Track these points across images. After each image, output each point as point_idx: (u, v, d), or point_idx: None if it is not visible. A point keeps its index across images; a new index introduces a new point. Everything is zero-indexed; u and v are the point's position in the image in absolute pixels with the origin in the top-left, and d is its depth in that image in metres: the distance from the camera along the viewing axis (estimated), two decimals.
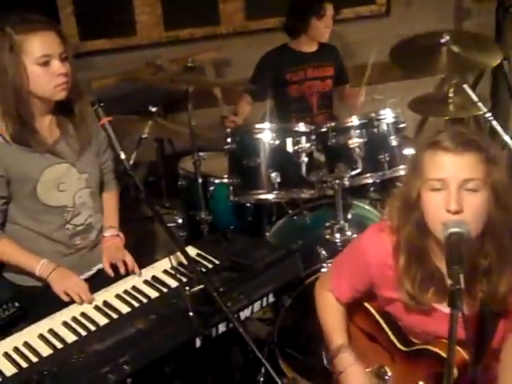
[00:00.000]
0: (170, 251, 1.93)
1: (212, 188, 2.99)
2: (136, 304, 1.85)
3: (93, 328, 1.75)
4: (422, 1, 4.68)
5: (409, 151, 2.61)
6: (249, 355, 2.48)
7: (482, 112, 2.94)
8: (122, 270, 2.07)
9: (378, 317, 1.86)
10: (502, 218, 1.55)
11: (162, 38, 4.29)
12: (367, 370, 1.86)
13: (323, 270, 2.40)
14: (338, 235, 2.57)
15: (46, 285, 1.98)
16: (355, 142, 2.57)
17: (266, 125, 2.62)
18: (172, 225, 3.17)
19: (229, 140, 2.68)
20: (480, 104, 2.92)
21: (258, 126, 2.64)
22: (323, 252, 2.51)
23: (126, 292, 1.92)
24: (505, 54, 3.79)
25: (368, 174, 2.61)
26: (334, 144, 2.64)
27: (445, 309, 1.63)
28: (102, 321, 1.79)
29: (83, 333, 1.73)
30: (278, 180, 2.57)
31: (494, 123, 2.89)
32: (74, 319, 1.80)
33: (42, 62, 1.88)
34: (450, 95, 3.03)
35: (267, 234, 2.79)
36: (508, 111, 4.55)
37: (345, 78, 3.63)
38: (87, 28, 4.09)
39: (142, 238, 3.48)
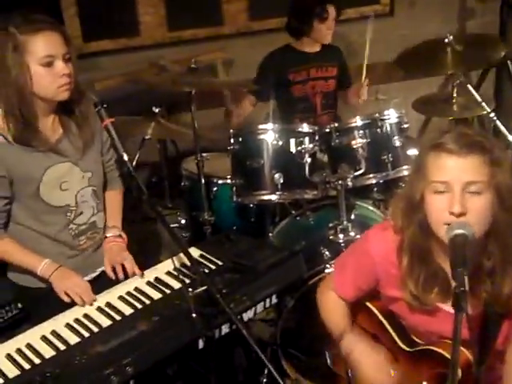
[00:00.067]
0: (173, 252, 1.92)
1: (215, 189, 2.98)
2: (139, 305, 1.85)
3: (96, 330, 1.75)
4: (426, 1, 4.66)
5: (412, 151, 2.61)
6: (252, 356, 2.47)
7: (485, 112, 2.94)
8: (121, 275, 2.07)
9: (381, 317, 1.86)
10: (507, 219, 1.54)
11: (166, 38, 4.28)
12: None
13: (327, 270, 2.39)
14: (341, 236, 2.57)
15: (49, 286, 1.98)
16: (358, 142, 2.56)
17: (269, 125, 2.61)
18: (175, 225, 3.17)
19: (232, 141, 2.68)
20: (484, 104, 2.91)
21: (261, 126, 2.63)
22: (326, 252, 2.51)
23: (128, 293, 1.92)
24: (509, 52, 3.77)
25: (371, 175, 2.60)
26: (338, 144, 2.64)
27: (449, 308, 1.62)
28: (105, 322, 1.78)
29: (86, 334, 1.73)
30: (281, 181, 2.56)
31: (498, 123, 2.89)
32: (77, 321, 1.80)
33: (46, 63, 1.88)
34: (454, 95, 3.03)
35: (270, 234, 2.79)
36: None
37: (347, 82, 3.61)
38: (91, 29, 4.09)
39: (146, 239, 3.48)
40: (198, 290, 1.63)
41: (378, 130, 2.60)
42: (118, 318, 1.80)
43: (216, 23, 4.34)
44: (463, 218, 1.48)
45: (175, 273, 1.96)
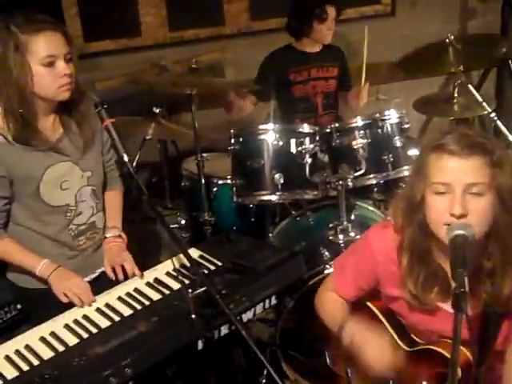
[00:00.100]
0: (173, 253, 1.92)
1: (215, 189, 2.99)
2: (138, 306, 1.84)
3: (94, 331, 1.75)
4: (427, 1, 4.66)
5: (413, 152, 2.60)
6: (251, 357, 2.47)
7: (486, 112, 2.93)
8: (120, 276, 2.06)
9: (381, 316, 1.85)
10: (507, 220, 1.54)
11: (167, 38, 4.28)
12: None
13: (326, 271, 2.39)
14: (341, 236, 2.57)
15: (48, 287, 1.98)
16: (359, 142, 2.56)
17: (270, 126, 2.62)
18: (175, 226, 3.17)
19: (232, 141, 2.68)
20: (485, 104, 2.91)
21: (261, 126, 2.63)
22: (326, 253, 2.51)
23: (128, 294, 1.91)
24: (510, 52, 3.77)
25: (372, 175, 2.60)
26: (338, 145, 2.64)
27: (449, 308, 1.62)
28: (104, 323, 1.78)
29: (85, 335, 1.73)
30: (282, 181, 2.56)
31: (499, 123, 2.89)
32: (76, 322, 1.80)
33: (47, 63, 1.87)
34: (455, 95, 3.03)
35: (270, 235, 2.79)
36: None
37: (347, 84, 3.60)
38: (92, 29, 4.08)
39: (146, 239, 3.48)
40: (198, 291, 1.62)
41: (379, 130, 2.60)
42: (117, 318, 1.79)
43: (217, 23, 4.34)
44: (464, 220, 1.48)
45: (175, 273, 1.96)
